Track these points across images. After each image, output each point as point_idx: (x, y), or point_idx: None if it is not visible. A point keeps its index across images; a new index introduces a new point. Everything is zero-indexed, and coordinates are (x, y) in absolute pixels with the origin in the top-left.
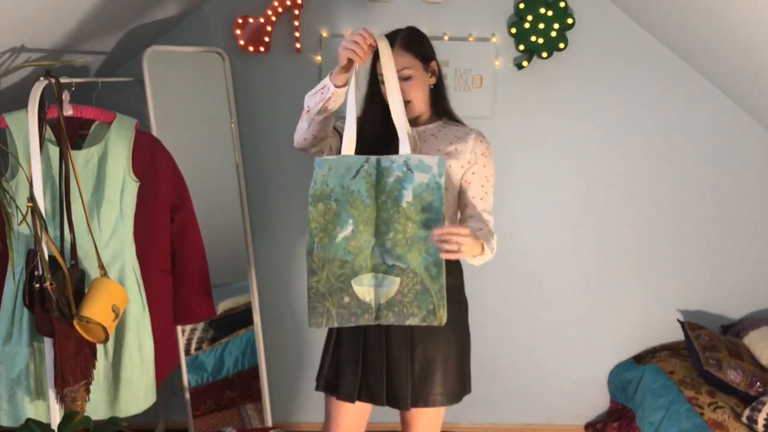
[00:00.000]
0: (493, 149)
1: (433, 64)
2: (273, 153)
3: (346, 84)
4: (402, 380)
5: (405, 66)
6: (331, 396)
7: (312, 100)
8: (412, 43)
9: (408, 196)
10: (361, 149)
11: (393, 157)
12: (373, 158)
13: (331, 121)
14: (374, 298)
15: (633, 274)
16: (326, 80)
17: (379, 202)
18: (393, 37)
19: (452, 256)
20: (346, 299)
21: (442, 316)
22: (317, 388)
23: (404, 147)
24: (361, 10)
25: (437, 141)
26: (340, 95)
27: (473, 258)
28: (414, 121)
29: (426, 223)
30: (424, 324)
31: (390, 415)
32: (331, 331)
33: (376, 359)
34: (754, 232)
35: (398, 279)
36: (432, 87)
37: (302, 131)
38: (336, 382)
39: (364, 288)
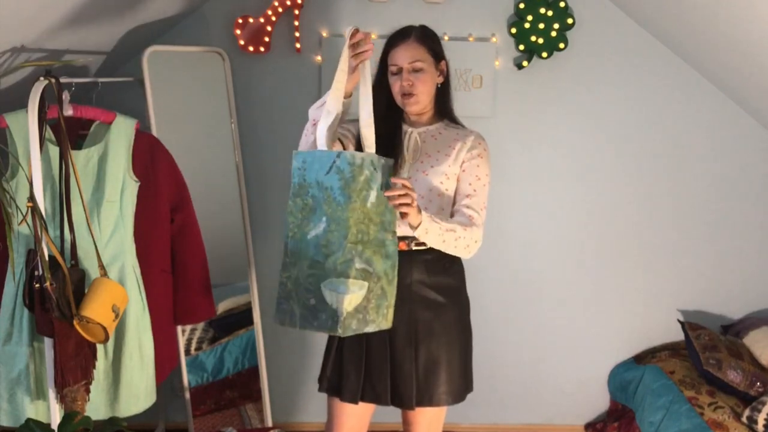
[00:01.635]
0: (493, 149)
1: (442, 64)
2: (273, 153)
3: (350, 94)
4: (406, 380)
5: (418, 59)
6: (334, 397)
7: (318, 113)
8: (427, 38)
9: (372, 196)
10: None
11: (363, 154)
12: (346, 153)
13: (337, 129)
14: (341, 305)
15: (633, 274)
16: (326, 96)
17: (352, 202)
18: (407, 32)
19: (407, 210)
20: (312, 301)
21: (391, 319)
22: (320, 390)
23: (370, 143)
24: (361, 10)
25: (437, 142)
26: (345, 105)
27: (415, 229)
28: (415, 121)
29: (383, 225)
30: (376, 330)
31: (391, 415)
32: None
33: (379, 359)
34: (754, 232)
35: (366, 284)
36: (439, 86)
37: (310, 143)
38: (339, 383)
39: (331, 293)
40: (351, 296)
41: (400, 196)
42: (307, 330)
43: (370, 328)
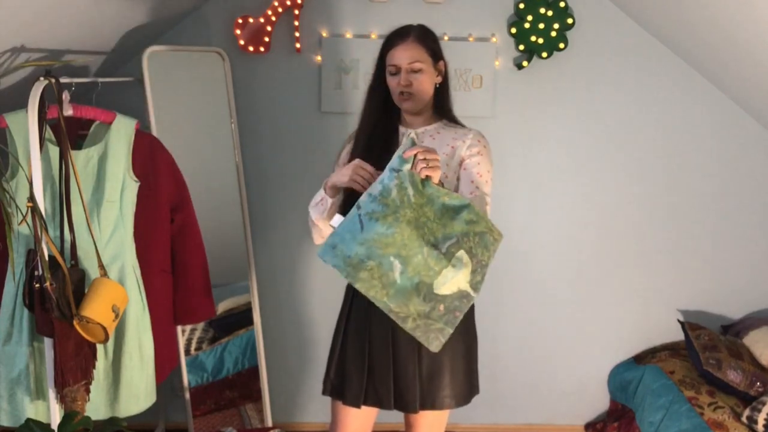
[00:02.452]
0: (493, 149)
1: (441, 64)
2: (273, 153)
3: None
4: (410, 383)
5: (417, 59)
6: (337, 401)
7: (315, 212)
8: (426, 38)
9: (410, 191)
10: (358, 144)
11: (378, 179)
12: (362, 199)
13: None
14: (461, 282)
15: (633, 274)
16: (322, 192)
17: (400, 216)
18: (406, 32)
19: (430, 172)
20: (441, 308)
21: (499, 232)
22: (324, 393)
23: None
24: (361, 10)
25: (435, 142)
26: (336, 202)
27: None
28: (413, 122)
29: (431, 198)
30: (494, 247)
31: (392, 415)
32: (337, 333)
33: (382, 363)
34: (755, 232)
35: (462, 251)
36: (437, 86)
37: (321, 237)
38: (342, 386)
39: (449, 284)
40: (462, 272)
41: (421, 161)
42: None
43: (492, 256)
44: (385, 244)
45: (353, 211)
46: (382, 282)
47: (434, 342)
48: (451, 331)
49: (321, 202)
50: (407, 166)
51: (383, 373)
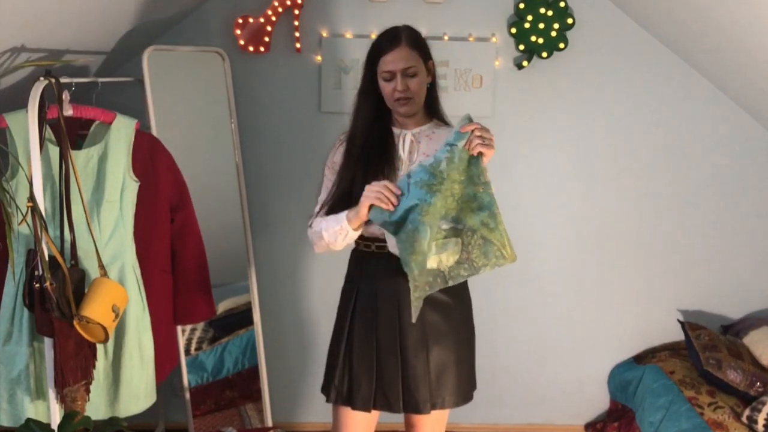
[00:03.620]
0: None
1: (430, 63)
2: (273, 153)
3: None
4: (420, 384)
5: (411, 64)
6: (346, 407)
7: (332, 237)
8: (416, 41)
9: (458, 164)
10: (353, 148)
11: (433, 154)
12: (414, 168)
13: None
14: (442, 262)
15: (633, 274)
16: (344, 223)
17: (444, 188)
18: (397, 36)
19: (484, 149)
20: (429, 279)
21: (513, 254)
22: (328, 400)
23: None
24: (361, 10)
25: (432, 142)
26: (356, 234)
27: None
28: (405, 123)
29: (471, 180)
30: (497, 268)
31: (391, 415)
32: (338, 336)
33: (391, 365)
34: (754, 232)
35: (458, 240)
36: (428, 86)
37: (326, 250)
38: (350, 393)
39: (431, 258)
40: (446, 254)
41: (476, 137)
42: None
43: (487, 269)
44: (425, 212)
45: (404, 178)
46: (415, 248)
47: (415, 313)
48: (417, 306)
49: (340, 232)
50: (462, 143)
51: (392, 375)
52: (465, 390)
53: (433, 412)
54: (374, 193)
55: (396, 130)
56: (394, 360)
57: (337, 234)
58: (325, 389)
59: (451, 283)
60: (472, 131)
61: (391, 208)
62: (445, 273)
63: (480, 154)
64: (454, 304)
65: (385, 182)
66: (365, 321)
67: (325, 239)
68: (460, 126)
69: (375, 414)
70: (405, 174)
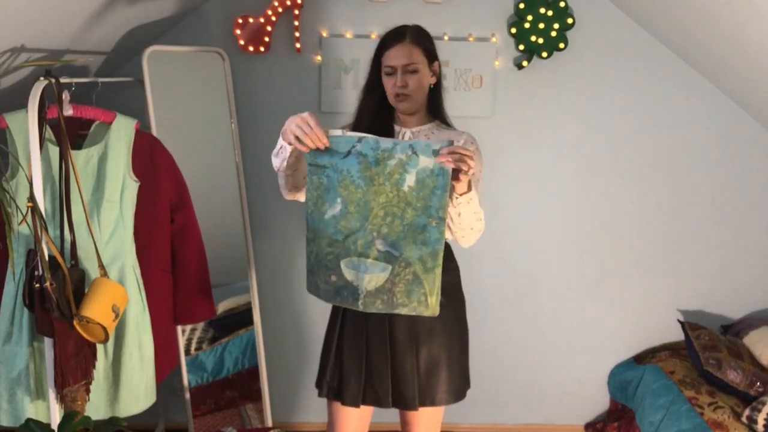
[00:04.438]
0: (493, 149)
1: (435, 64)
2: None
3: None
4: (408, 380)
5: (413, 60)
6: (336, 402)
7: (277, 161)
8: (421, 39)
9: (410, 180)
10: None
11: (394, 140)
12: (370, 138)
13: (303, 170)
14: (361, 283)
15: (633, 274)
16: (281, 140)
17: (376, 185)
18: (402, 33)
19: (456, 165)
20: (333, 278)
21: (435, 308)
22: (320, 395)
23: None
24: (360, 10)
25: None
26: (296, 150)
27: (459, 198)
28: (407, 121)
29: (427, 210)
30: (413, 314)
31: (390, 415)
32: (331, 332)
33: (380, 361)
34: (754, 232)
35: (389, 267)
36: (431, 87)
37: (283, 186)
38: (340, 387)
39: (350, 271)
40: (370, 276)
41: (452, 153)
42: (333, 303)
43: (404, 311)
44: (345, 186)
45: (354, 136)
46: (316, 205)
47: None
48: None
49: (280, 150)
50: (427, 159)
51: (381, 371)
52: (457, 388)
53: (427, 410)
54: (295, 124)
55: (397, 127)
56: (384, 356)
57: (278, 153)
58: (318, 384)
59: (360, 309)
60: (449, 149)
61: (305, 149)
62: (360, 295)
63: (452, 186)
64: (447, 302)
65: (309, 118)
66: (356, 317)
67: (275, 165)
68: (438, 145)
69: (369, 410)
70: (356, 135)
